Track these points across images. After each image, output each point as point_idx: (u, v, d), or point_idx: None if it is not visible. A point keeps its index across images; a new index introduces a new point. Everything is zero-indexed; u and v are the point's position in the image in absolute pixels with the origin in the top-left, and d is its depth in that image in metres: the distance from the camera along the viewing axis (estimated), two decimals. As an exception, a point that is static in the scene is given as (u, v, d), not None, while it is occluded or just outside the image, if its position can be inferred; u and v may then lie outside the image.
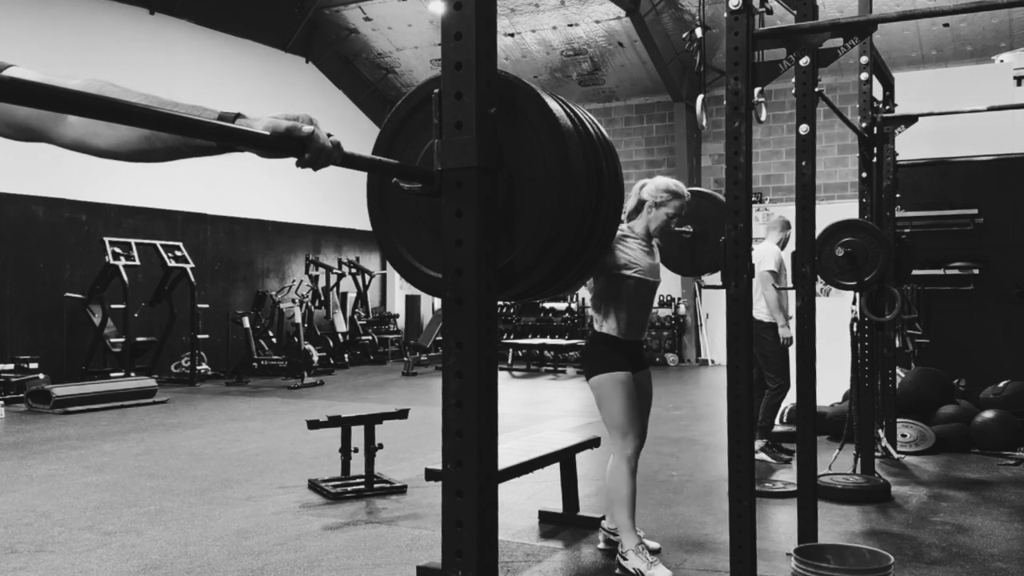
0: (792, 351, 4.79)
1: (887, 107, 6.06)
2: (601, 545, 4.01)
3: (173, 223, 12.51)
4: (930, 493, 5.15)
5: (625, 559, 3.62)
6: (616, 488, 3.65)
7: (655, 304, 4.12)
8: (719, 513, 4.55)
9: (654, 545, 4.01)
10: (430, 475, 3.85)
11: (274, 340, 12.60)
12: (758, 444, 6.10)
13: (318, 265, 13.67)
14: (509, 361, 13.63)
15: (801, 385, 3.88)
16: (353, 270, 14.57)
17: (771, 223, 6.37)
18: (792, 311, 5.17)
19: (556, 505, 4.56)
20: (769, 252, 6.10)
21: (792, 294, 4.44)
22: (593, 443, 4.62)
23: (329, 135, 1.34)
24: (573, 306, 14.89)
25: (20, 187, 10.58)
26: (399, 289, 16.84)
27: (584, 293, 3.88)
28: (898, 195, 6.24)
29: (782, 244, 6.31)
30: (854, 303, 5.48)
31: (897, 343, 6.39)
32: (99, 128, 1.35)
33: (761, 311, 5.97)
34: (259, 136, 1.26)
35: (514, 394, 10.44)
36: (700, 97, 6.44)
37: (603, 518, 4.07)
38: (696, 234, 4.21)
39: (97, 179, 11.49)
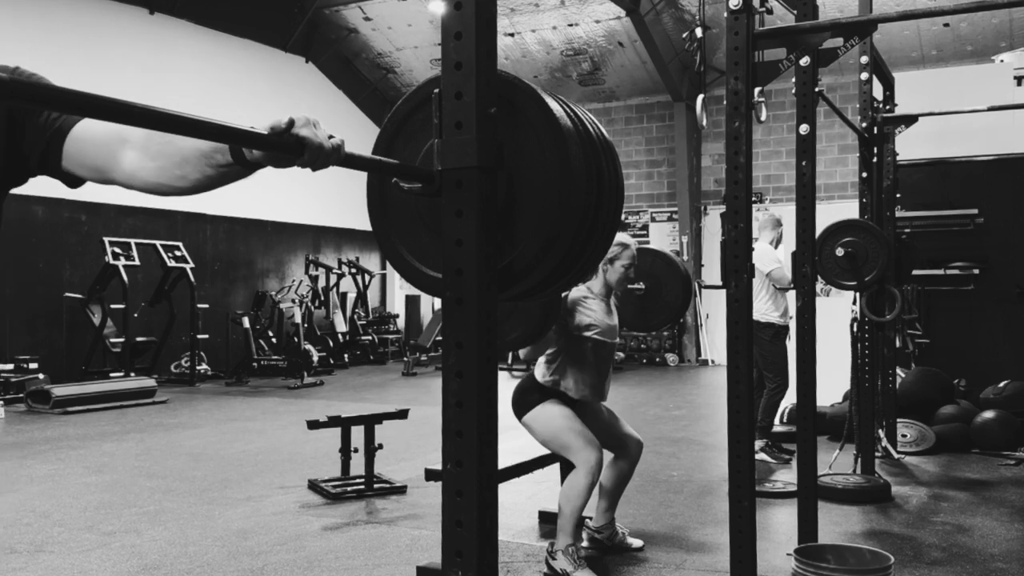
0: (792, 351, 4.80)
1: (887, 107, 6.06)
2: (585, 543, 4.01)
3: (173, 223, 12.50)
4: (930, 493, 5.15)
5: (553, 558, 3.59)
6: (570, 498, 3.57)
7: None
8: (719, 513, 4.55)
9: (638, 543, 4.01)
10: (430, 475, 3.85)
11: (274, 340, 12.60)
12: (758, 444, 6.10)
13: (318, 265, 13.66)
14: (509, 361, 13.63)
15: (801, 385, 3.88)
16: (353, 270, 14.57)
17: (763, 222, 6.35)
18: (792, 311, 5.18)
19: (556, 505, 4.54)
20: (765, 254, 6.11)
21: (792, 294, 4.44)
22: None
23: (331, 136, 1.35)
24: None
25: (20, 187, 10.56)
26: (399, 289, 16.84)
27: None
28: (898, 195, 6.24)
29: (775, 242, 6.32)
30: (854, 303, 5.48)
31: (897, 343, 6.38)
32: (145, 162, 1.40)
33: (758, 312, 5.97)
34: (258, 136, 1.26)
35: (514, 394, 10.43)
36: (700, 97, 6.45)
37: (589, 518, 4.08)
38: (648, 291, 4.29)
39: (97, 179, 11.49)
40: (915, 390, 6.72)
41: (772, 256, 6.13)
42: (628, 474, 3.97)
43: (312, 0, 14.20)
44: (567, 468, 4.42)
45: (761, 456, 6.01)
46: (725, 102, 3.06)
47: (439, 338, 12.37)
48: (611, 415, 3.96)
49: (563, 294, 3.77)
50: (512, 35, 14.31)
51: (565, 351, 3.74)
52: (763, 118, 5.34)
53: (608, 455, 3.90)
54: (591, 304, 3.81)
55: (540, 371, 3.78)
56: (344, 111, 15.60)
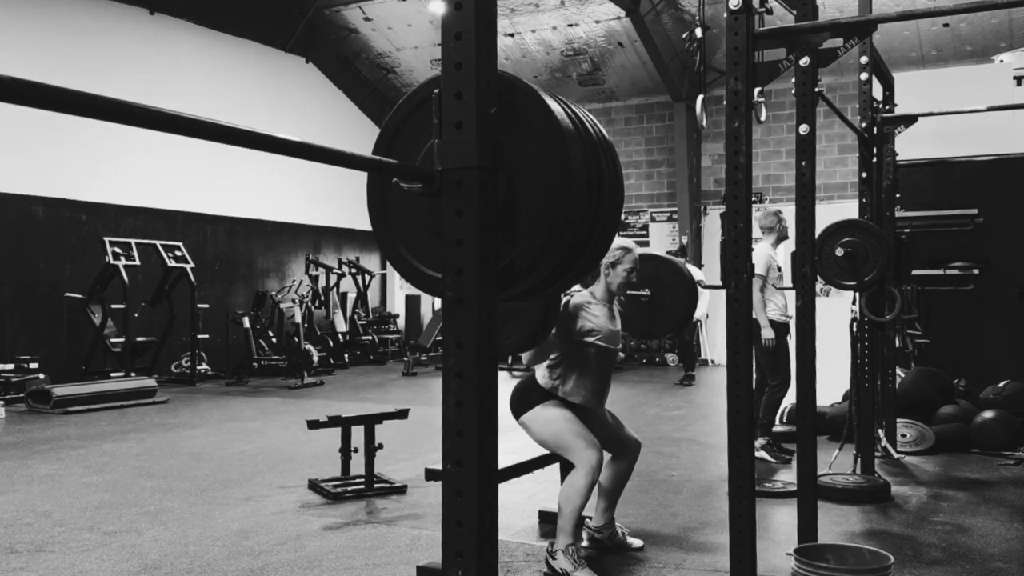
0: (792, 350, 4.80)
1: (887, 107, 6.06)
2: (585, 543, 4.01)
3: (173, 223, 12.51)
4: (930, 493, 5.15)
5: (553, 558, 3.58)
6: (570, 498, 3.56)
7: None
8: (719, 513, 4.55)
9: (638, 543, 4.01)
10: (430, 475, 3.85)
11: (274, 340, 12.60)
12: (759, 442, 6.10)
13: (318, 265, 13.66)
14: (509, 361, 13.62)
15: (801, 385, 3.88)
16: (353, 270, 14.57)
17: (764, 223, 6.32)
18: (792, 311, 5.18)
19: (556, 505, 4.54)
20: (759, 255, 6.10)
21: (792, 294, 4.44)
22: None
23: None
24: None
25: (20, 187, 10.58)
26: (399, 289, 16.84)
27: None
28: (898, 195, 6.24)
29: (778, 240, 6.30)
30: (854, 303, 5.48)
31: (897, 343, 6.38)
32: None
33: (756, 311, 5.99)
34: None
35: (514, 394, 10.43)
36: (700, 97, 6.45)
37: (589, 517, 4.08)
38: (653, 297, 4.27)
39: (97, 179, 11.50)
40: (915, 390, 6.72)
41: (762, 263, 6.13)
42: (627, 474, 3.97)
43: (312, 0, 14.20)
44: (567, 468, 4.43)
45: (761, 454, 6.01)
46: (725, 102, 3.06)
47: (439, 338, 12.37)
48: (614, 419, 3.95)
49: (564, 299, 3.76)
50: (512, 35, 14.30)
51: (567, 357, 3.72)
52: (763, 118, 5.35)
53: (607, 454, 3.89)
54: (594, 309, 3.78)
55: (541, 375, 3.77)
56: (344, 111, 15.59)
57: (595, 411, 3.86)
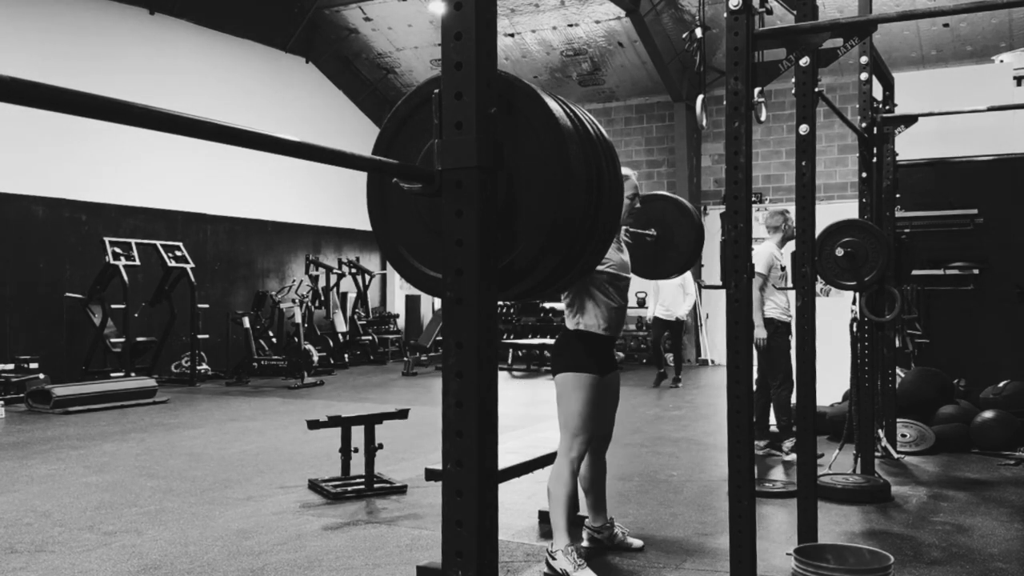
0: (792, 350, 4.80)
1: (887, 107, 6.06)
2: (585, 543, 4.01)
3: (173, 223, 12.51)
4: (930, 493, 5.15)
5: (553, 559, 3.58)
6: (556, 488, 3.60)
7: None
8: (719, 513, 4.55)
9: (638, 543, 4.01)
10: (430, 475, 3.85)
11: (274, 340, 12.60)
12: (787, 445, 6.13)
13: (318, 265, 13.66)
14: (509, 361, 13.63)
15: (801, 385, 3.88)
16: (353, 270, 14.57)
17: (770, 222, 6.34)
18: (792, 311, 5.19)
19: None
20: (761, 254, 6.12)
21: (792, 294, 4.44)
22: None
23: None
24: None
25: (20, 187, 10.58)
26: (399, 289, 16.84)
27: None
28: (898, 195, 6.24)
29: (784, 239, 6.30)
30: (854, 303, 5.48)
31: (897, 343, 6.38)
32: None
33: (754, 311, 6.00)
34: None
35: (514, 394, 10.44)
36: (700, 97, 6.44)
37: (586, 517, 4.08)
38: (659, 237, 4.26)
39: (97, 179, 11.50)
40: (915, 390, 6.72)
41: (764, 262, 6.15)
42: (599, 463, 3.98)
43: (312, 0, 14.20)
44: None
45: (792, 457, 6.01)
46: (725, 102, 3.06)
47: (439, 338, 12.36)
48: (615, 399, 3.97)
49: None
50: (512, 35, 14.30)
51: (581, 291, 3.74)
52: (763, 118, 5.34)
53: None
54: None
55: (568, 319, 3.80)
56: (344, 111, 15.59)
57: (612, 380, 3.88)
